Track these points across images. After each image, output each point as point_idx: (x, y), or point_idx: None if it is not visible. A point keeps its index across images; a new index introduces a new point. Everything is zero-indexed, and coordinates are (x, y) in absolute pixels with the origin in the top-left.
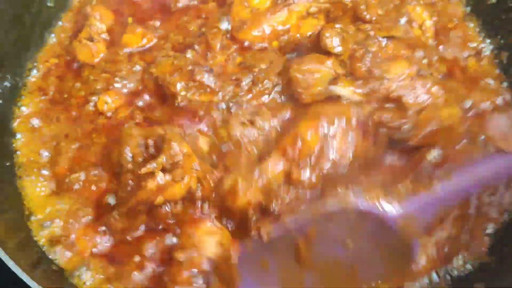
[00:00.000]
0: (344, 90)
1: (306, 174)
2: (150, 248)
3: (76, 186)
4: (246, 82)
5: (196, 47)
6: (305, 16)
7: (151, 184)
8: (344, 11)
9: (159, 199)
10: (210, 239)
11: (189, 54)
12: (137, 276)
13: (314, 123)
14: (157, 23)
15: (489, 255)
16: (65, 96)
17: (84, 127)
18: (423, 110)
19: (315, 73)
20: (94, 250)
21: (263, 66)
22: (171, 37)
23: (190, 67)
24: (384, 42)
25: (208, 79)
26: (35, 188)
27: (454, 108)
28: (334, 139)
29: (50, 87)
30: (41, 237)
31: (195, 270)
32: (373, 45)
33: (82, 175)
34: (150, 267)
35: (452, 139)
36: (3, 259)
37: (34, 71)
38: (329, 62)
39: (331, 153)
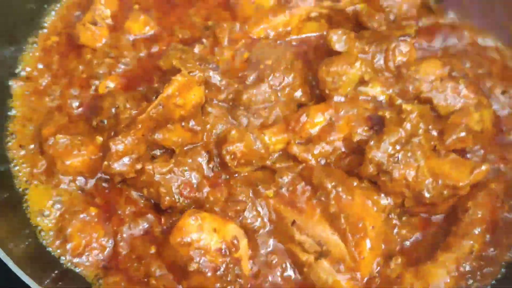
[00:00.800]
0: (373, 90)
1: (299, 148)
2: None
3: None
4: (250, 79)
5: (204, 41)
6: (306, 20)
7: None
8: (346, 18)
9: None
10: None
11: (197, 49)
12: None
13: (324, 106)
14: (162, 14)
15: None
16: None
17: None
18: (452, 114)
19: (343, 75)
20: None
21: (268, 62)
22: (177, 29)
23: (197, 63)
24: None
25: (213, 77)
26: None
27: (485, 110)
28: (339, 123)
29: (53, 64)
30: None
31: None
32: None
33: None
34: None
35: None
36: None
37: (35, 45)
38: (358, 64)
39: (333, 136)
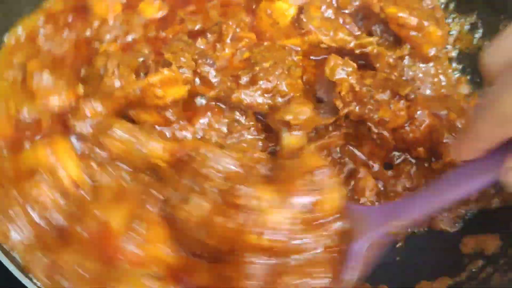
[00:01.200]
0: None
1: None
2: None
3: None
4: (244, 80)
5: (209, 35)
6: (315, 47)
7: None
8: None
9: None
10: None
11: (199, 43)
12: None
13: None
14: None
15: None
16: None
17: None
18: None
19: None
20: None
21: (266, 65)
22: (188, 20)
23: (196, 57)
24: None
25: (208, 73)
26: None
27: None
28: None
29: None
30: None
31: None
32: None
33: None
34: None
35: None
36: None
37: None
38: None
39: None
